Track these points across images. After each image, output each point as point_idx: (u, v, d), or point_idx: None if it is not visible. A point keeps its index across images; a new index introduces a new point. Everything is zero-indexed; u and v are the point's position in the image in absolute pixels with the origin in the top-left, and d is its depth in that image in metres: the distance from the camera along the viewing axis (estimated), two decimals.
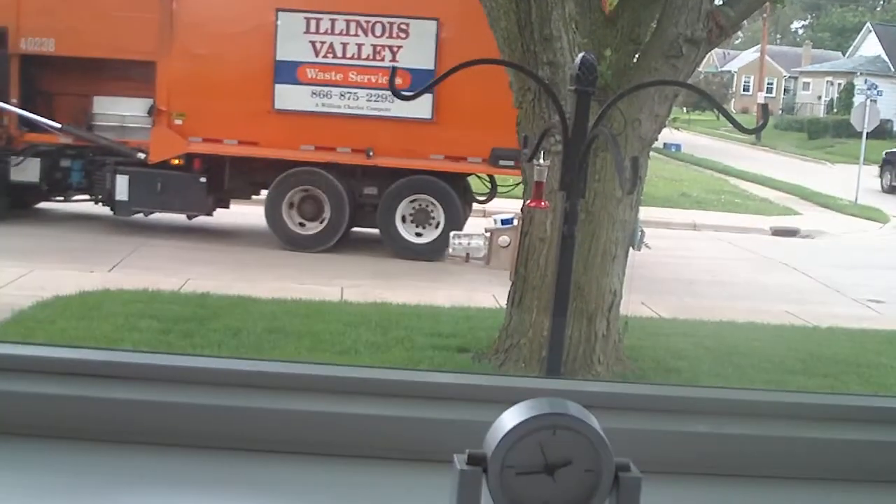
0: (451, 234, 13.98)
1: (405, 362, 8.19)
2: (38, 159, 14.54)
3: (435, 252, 14.15)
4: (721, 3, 7.97)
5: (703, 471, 1.56)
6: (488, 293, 10.86)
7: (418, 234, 14.34)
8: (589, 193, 7.47)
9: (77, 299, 9.92)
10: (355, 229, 14.79)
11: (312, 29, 14.10)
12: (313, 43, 14.16)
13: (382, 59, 14.02)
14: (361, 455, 1.54)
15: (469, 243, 13.81)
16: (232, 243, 14.78)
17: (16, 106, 14.53)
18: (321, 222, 14.39)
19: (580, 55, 4.08)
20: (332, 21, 14.08)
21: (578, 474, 1.24)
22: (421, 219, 14.35)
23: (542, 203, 5.74)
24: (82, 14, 14.21)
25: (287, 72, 14.12)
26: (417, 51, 13.85)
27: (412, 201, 14.30)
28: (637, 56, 7.98)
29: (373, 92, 14.05)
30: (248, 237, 15.11)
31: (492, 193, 15.29)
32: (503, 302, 8.71)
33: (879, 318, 12.28)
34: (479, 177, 15.06)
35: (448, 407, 1.56)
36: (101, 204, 14.86)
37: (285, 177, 14.31)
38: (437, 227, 14.28)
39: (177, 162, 14.33)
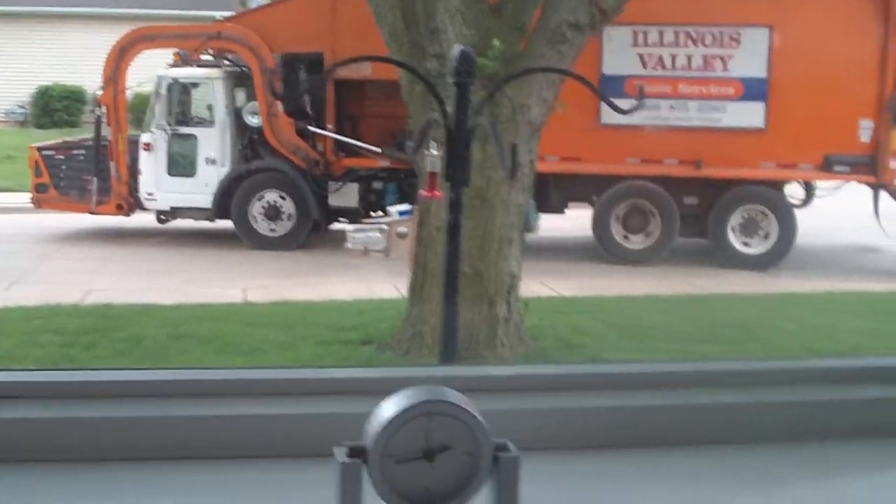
0: (349, 227, 13.96)
1: (311, 359, 8.19)
2: (356, 184, 14.59)
3: (767, 263, 13.98)
4: None
5: (582, 445, 1.61)
6: (390, 284, 10.90)
7: (745, 244, 14.17)
8: (482, 180, 7.55)
9: None
10: None
11: (640, 42, 14.02)
12: (641, 56, 14.07)
13: (713, 69, 13.98)
14: (249, 456, 1.55)
15: (367, 236, 13.77)
16: (137, 250, 14.57)
17: (331, 131, 14.51)
18: (647, 236, 14.27)
19: (457, 47, 4.15)
20: (661, 33, 14.01)
21: (458, 458, 1.27)
22: (751, 229, 14.18)
23: (437, 193, 5.79)
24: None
25: (614, 86, 13.67)
26: (749, 59, 13.81)
27: (743, 211, 14.16)
28: (523, 44, 8.09)
29: (703, 103, 13.99)
30: (151, 243, 14.91)
31: (808, 199, 15.14)
32: (405, 292, 8.76)
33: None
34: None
35: (334, 401, 1.59)
36: None
37: (614, 191, 14.18)
38: (766, 237, 14.15)
39: None
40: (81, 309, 10.27)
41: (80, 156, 15.34)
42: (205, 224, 15.25)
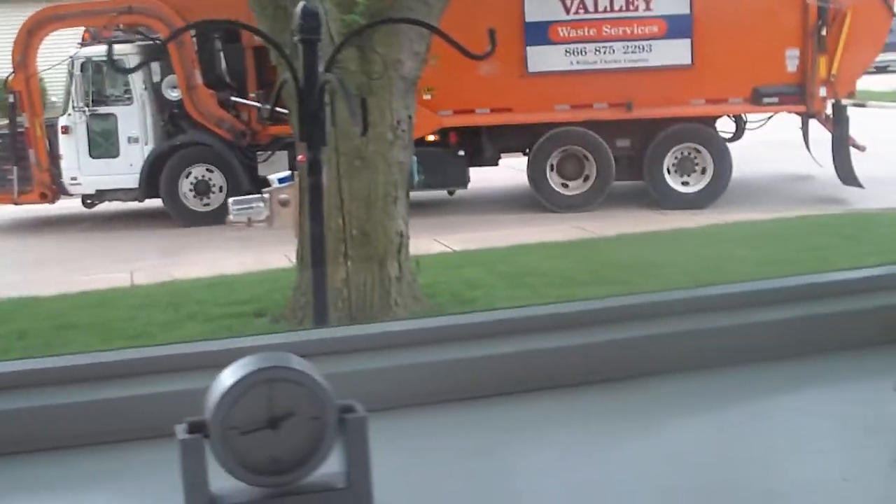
0: (230, 199, 13.72)
1: (201, 335, 8.04)
2: (286, 152, 13.85)
3: (706, 200, 13.86)
4: None
5: (438, 399, 1.57)
6: (280, 254, 10.76)
7: (685, 184, 14.02)
8: (360, 140, 7.46)
9: None
10: None
11: None
12: (563, 1, 13.83)
13: (636, 9, 13.80)
14: (97, 443, 1.48)
15: (250, 207, 13.56)
16: (22, 241, 14.16)
17: (253, 100, 14.01)
18: (585, 181, 14.08)
19: (300, 4, 4.02)
20: None
21: (304, 424, 1.21)
22: (686, 167, 14.04)
23: None
24: None
25: (538, 33, 13.73)
26: None
27: (677, 150, 14.02)
28: None
29: (629, 44, 13.82)
30: (22, 233, 14.51)
31: (738, 132, 14.93)
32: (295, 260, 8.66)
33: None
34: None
35: (182, 378, 1.51)
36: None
37: (546, 139, 13.94)
38: (702, 174, 14.02)
39: (432, 138, 13.86)
40: None
41: None
42: (130, 205, 14.89)
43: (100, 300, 9.82)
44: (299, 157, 6.99)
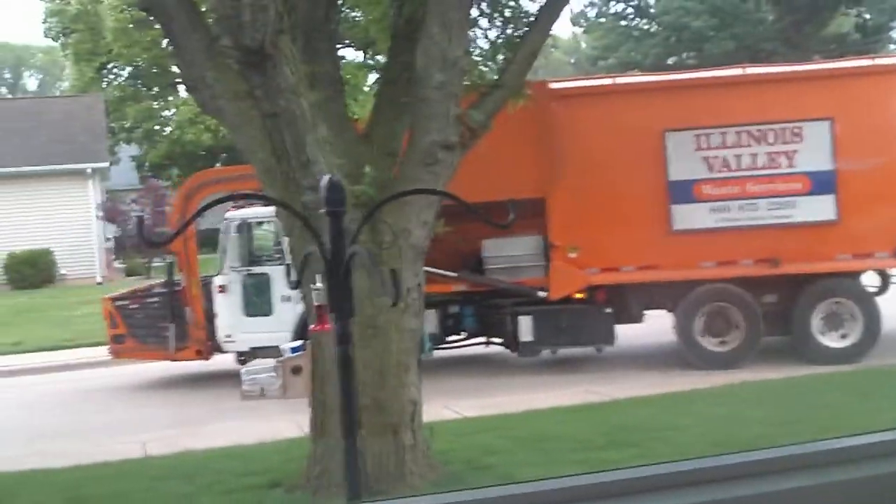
0: (243, 369, 13.78)
1: None
2: (433, 310, 13.97)
3: (856, 354, 13.75)
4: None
5: None
6: (293, 423, 10.74)
7: (831, 339, 13.94)
8: (372, 308, 7.54)
9: None
10: None
11: (704, 145, 13.93)
12: (706, 159, 13.99)
13: (779, 166, 13.91)
14: None
15: (262, 378, 13.60)
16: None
17: None
18: (732, 338, 14.05)
19: (325, 178, 4.15)
20: (723, 134, 13.96)
21: None
22: (835, 322, 13.98)
23: (326, 326, 5.76)
24: (470, 159, 13.37)
25: (683, 191, 13.85)
26: (814, 153, 13.82)
27: (825, 305, 13.98)
28: (397, 169, 8.18)
29: (774, 200, 13.87)
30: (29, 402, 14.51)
31: (884, 286, 14.80)
32: (308, 429, 8.62)
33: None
34: None
35: None
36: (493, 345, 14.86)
37: (692, 296, 13.99)
38: (850, 329, 13.93)
39: (579, 296, 13.96)
40: None
41: (153, 303, 15.15)
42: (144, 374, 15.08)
43: (116, 472, 9.76)
44: (311, 327, 7.03)
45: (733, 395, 11.67)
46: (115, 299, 15.48)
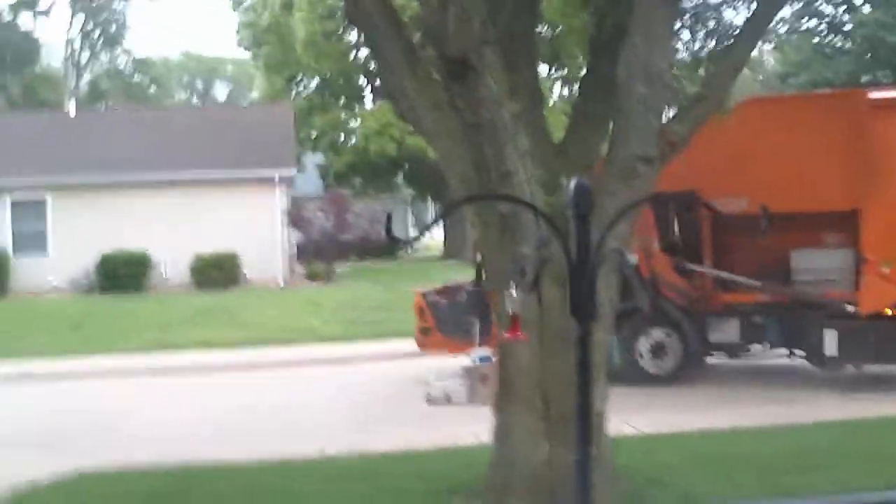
0: (430, 376, 13.93)
1: None
2: (736, 319, 14.60)
3: None
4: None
5: None
6: (475, 430, 10.84)
7: None
8: (564, 320, 7.51)
9: None
10: None
11: None
12: None
13: None
14: None
15: (447, 384, 13.72)
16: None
17: (708, 267, 14.68)
18: None
19: (574, 180, 4.17)
20: None
21: None
22: None
23: (519, 334, 5.77)
24: (777, 170, 13.90)
25: None
26: None
27: None
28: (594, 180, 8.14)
29: None
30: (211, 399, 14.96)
31: None
32: (486, 439, 8.67)
33: None
34: None
35: None
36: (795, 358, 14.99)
37: None
38: None
39: (890, 312, 13.82)
40: (154, 471, 10.20)
41: (460, 300, 15.70)
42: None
43: (294, 470, 9.99)
44: (503, 335, 7.07)
45: None
46: (426, 294, 16.01)
